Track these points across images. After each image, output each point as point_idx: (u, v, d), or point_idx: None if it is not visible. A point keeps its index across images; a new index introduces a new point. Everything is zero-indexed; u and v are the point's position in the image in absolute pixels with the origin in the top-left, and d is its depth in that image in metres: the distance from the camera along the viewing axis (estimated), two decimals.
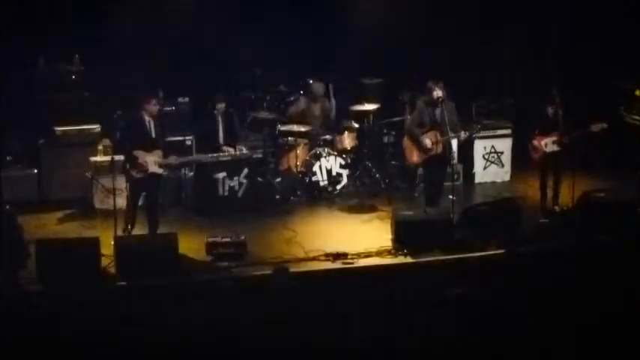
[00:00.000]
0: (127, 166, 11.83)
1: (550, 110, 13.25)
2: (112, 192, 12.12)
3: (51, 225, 12.94)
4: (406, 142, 13.17)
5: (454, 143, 13.51)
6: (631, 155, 14.62)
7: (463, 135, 12.91)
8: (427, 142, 12.75)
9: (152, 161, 11.82)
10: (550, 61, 15.44)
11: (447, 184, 13.22)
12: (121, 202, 12.68)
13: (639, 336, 8.94)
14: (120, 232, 11.73)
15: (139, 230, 12.14)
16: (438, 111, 12.76)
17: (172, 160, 12.20)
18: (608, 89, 15.50)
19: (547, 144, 13.25)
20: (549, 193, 13.33)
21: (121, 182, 12.88)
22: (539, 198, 13.36)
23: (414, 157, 13.04)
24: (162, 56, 14.59)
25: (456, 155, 13.96)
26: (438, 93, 12.66)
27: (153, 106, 11.87)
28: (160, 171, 11.99)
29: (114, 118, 14.08)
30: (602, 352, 8.87)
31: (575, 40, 15.78)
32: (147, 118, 11.86)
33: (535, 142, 13.30)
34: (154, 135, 11.92)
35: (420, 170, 14.12)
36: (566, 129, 13.19)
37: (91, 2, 14.41)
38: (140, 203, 12.22)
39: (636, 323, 9.06)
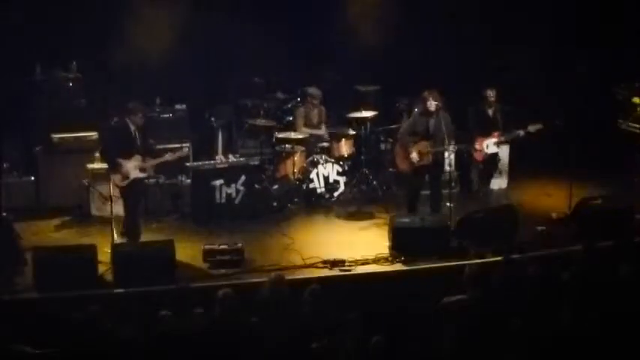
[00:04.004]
0: (112, 175, 12.03)
1: (489, 112, 13.61)
2: (109, 199, 12.16)
3: (48, 232, 12.90)
4: (397, 149, 13.29)
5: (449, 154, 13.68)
6: (629, 162, 14.67)
7: (452, 149, 12.93)
8: (414, 155, 12.80)
9: (132, 167, 11.97)
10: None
11: (444, 191, 13.24)
12: (118, 209, 12.70)
13: (636, 340, 8.95)
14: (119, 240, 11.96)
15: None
16: (432, 122, 12.80)
17: (151, 161, 12.28)
18: (606, 96, 15.55)
19: (488, 145, 13.64)
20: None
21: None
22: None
23: (404, 164, 13.12)
24: (160, 63, 14.59)
25: (453, 162, 14.05)
26: (432, 103, 12.70)
27: (139, 118, 12.03)
28: (142, 175, 12.13)
29: (111, 125, 14.07)
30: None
31: (574, 45, 15.85)
32: (132, 127, 12.00)
33: (477, 145, 13.66)
34: (138, 143, 12.05)
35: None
36: (504, 129, 13.64)
37: (88, 9, 14.41)
38: None
39: (633, 327, 9.07)
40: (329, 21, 15.68)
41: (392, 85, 15.63)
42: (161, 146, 13.08)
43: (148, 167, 12.29)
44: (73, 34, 14.24)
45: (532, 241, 12.42)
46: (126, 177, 11.96)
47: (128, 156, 11.93)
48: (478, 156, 13.94)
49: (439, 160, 13.06)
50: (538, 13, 15.81)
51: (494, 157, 14.04)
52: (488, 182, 14.30)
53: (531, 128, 13.62)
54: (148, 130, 12.34)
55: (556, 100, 14.98)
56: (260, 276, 11.13)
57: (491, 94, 13.77)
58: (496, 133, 13.81)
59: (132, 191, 12.08)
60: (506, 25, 15.64)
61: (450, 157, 13.84)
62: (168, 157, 12.49)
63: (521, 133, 13.71)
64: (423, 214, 12.84)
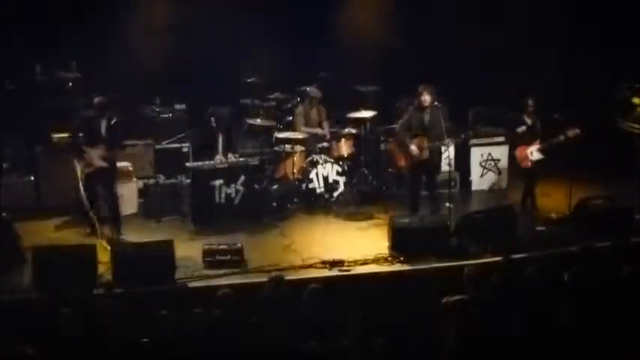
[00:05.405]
0: (76, 162, 12.35)
1: (528, 120, 13.51)
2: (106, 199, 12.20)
3: (47, 232, 12.90)
4: (393, 146, 13.29)
5: (450, 150, 13.65)
6: (628, 162, 14.67)
7: (449, 143, 12.92)
8: (413, 148, 12.84)
9: (96, 155, 12.31)
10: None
11: (443, 191, 13.24)
12: (122, 209, 12.75)
13: (636, 339, 8.96)
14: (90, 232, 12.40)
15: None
16: (426, 116, 12.86)
17: (114, 152, 12.57)
18: (605, 96, 15.55)
19: (532, 152, 13.53)
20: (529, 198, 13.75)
21: (120, 189, 12.94)
22: (531, 205, 13.72)
23: (401, 161, 13.16)
24: (160, 63, 14.59)
25: (453, 162, 14.04)
26: (426, 98, 12.76)
27: (94, 111, 12.41)
28: (105, 164, 12.40)
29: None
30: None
31: (574, 45, 15.85)
32: (100, 117, 12.36)
33: (518, 153, 13.57)
34: (103, 133, 12.36)
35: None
36: (544, 137, 13.56)
37: (88, 9, 14.41)
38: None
39: (633, 327, 9.08)
40: (329, 21, 15.69)
41: (392, 85, 15.63)
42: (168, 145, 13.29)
43: (111, 157, 12.49)
44: (73, 34, 14.23)
45: (532, 241, 12.43)
46: (90, 164, 12.30)
47: (92, 145, 12.28)
48: (524, 164, 13.72)
49: (435, 158, 13.07)
50: (538, 13, 15.81)
51: (542, 163, 13.67)
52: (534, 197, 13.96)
53: (570, 133, 13.38)
54: (119, 124, 12.54)
55: (557, 100, 14.96)
56: (260, 276, 11.12)
57: (530, 103, 13.54)
58: (537, 141, 13.60)
59: (96, 180, 12.39)
60: (506, 25, 15.65)
61: (449, 156, 13.84)
62: (138, 149, 13.20)
63: (562, 138, 13.41)
64: (423, 214, 12.85)
